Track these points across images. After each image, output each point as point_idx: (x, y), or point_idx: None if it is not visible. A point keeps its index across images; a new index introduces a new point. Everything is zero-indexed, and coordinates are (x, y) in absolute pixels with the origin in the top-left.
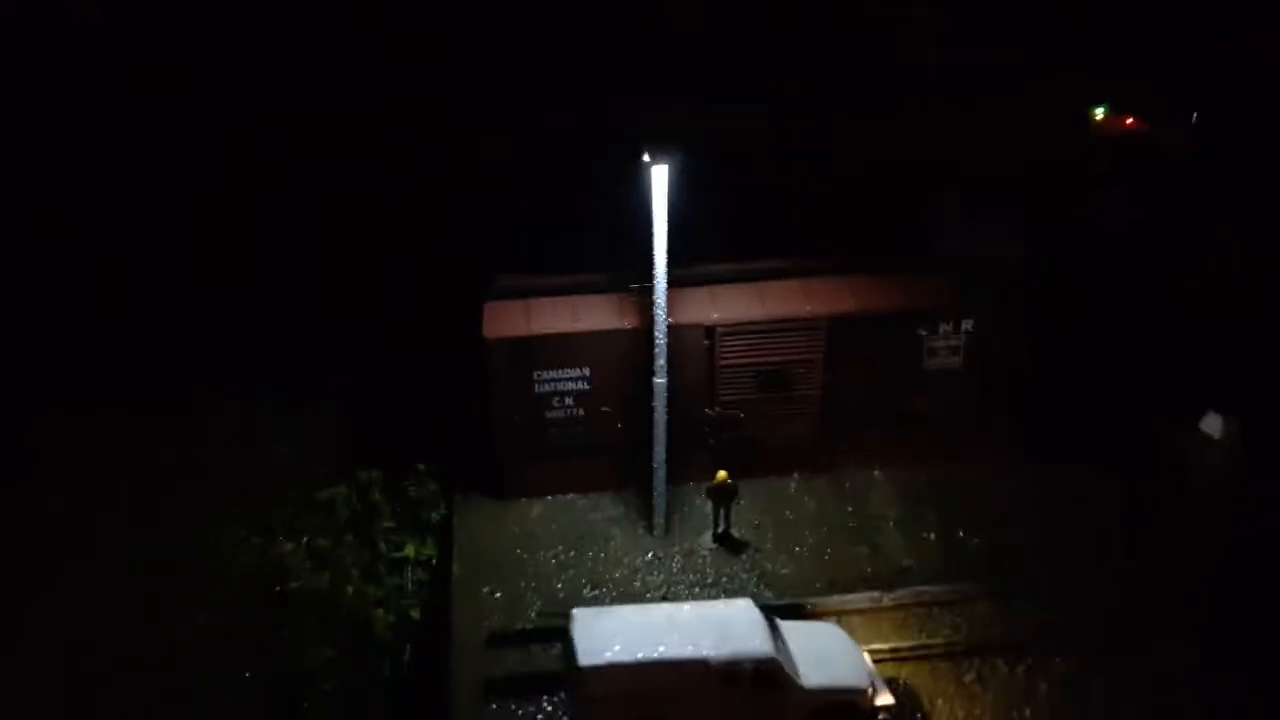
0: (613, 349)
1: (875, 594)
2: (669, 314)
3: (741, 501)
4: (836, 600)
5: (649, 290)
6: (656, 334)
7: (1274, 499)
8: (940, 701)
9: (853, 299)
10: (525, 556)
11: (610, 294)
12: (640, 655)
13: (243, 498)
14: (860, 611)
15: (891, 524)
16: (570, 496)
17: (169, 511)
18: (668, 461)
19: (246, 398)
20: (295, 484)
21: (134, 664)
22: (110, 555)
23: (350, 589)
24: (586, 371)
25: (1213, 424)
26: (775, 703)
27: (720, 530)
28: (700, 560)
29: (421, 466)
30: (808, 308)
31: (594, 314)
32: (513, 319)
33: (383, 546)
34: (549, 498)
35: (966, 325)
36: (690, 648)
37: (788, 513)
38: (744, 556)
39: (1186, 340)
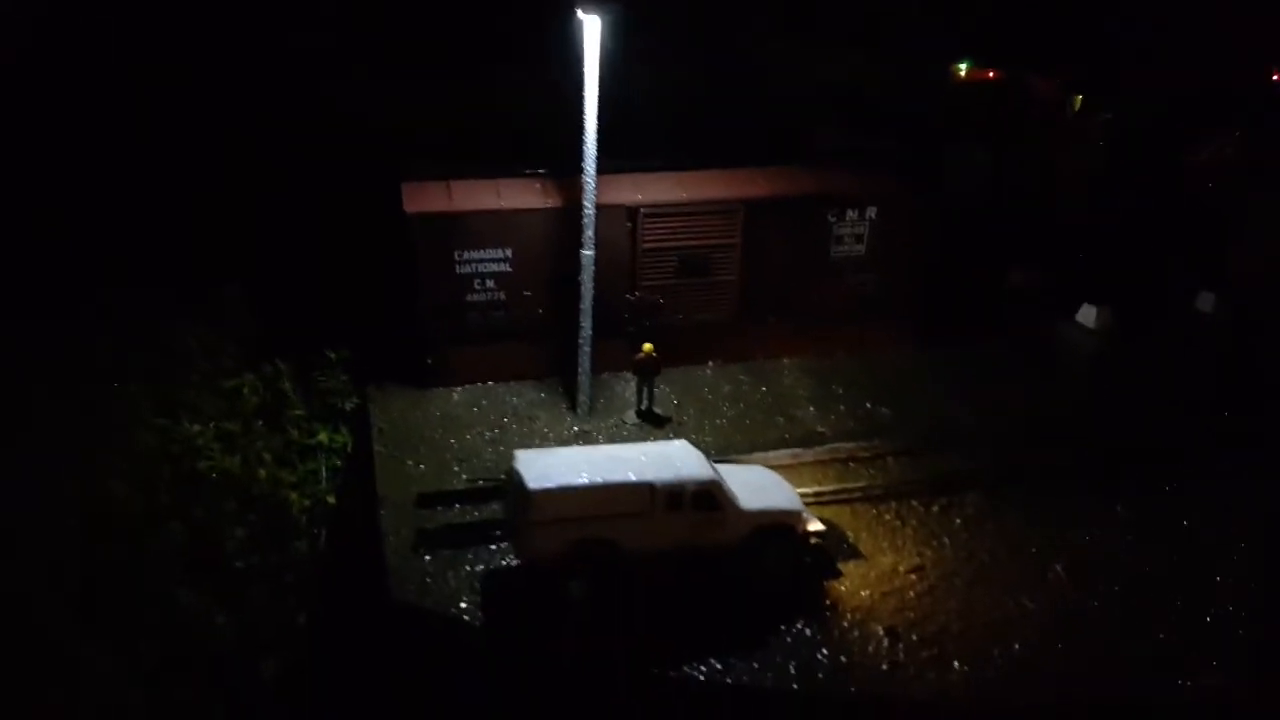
0: (535, 229)
1: (796, 450)
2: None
3: (660, 386)
4: (759, 457)
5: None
6: (585, 204)
7: (1137, 367)
8: (865, 535)
9: (767, 184)
10: (448, 437)
11: (532, 177)
12: (588, 480)
13: (146, 383)
14: (783, 466)
15: (804, 400)
16: (490, 384)
17: (74, 392)
18: (569, 349)
19: (150, 299)
20: (200, 373)
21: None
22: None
23: (263, 472)
24: (509, 252)
25: (1087, 315)
26: (716, 523)
27: (644, 407)
28: (625, 434)
29: (331, 355)
30: (726, 191)
31: (516, 193)
32: (434, 196)
33: (294, 433)
34: (468, 386)
35: (870, 213)
36: (633, 474)
37: (706, 392)
38: (667, 429)
39: (1055, 247)
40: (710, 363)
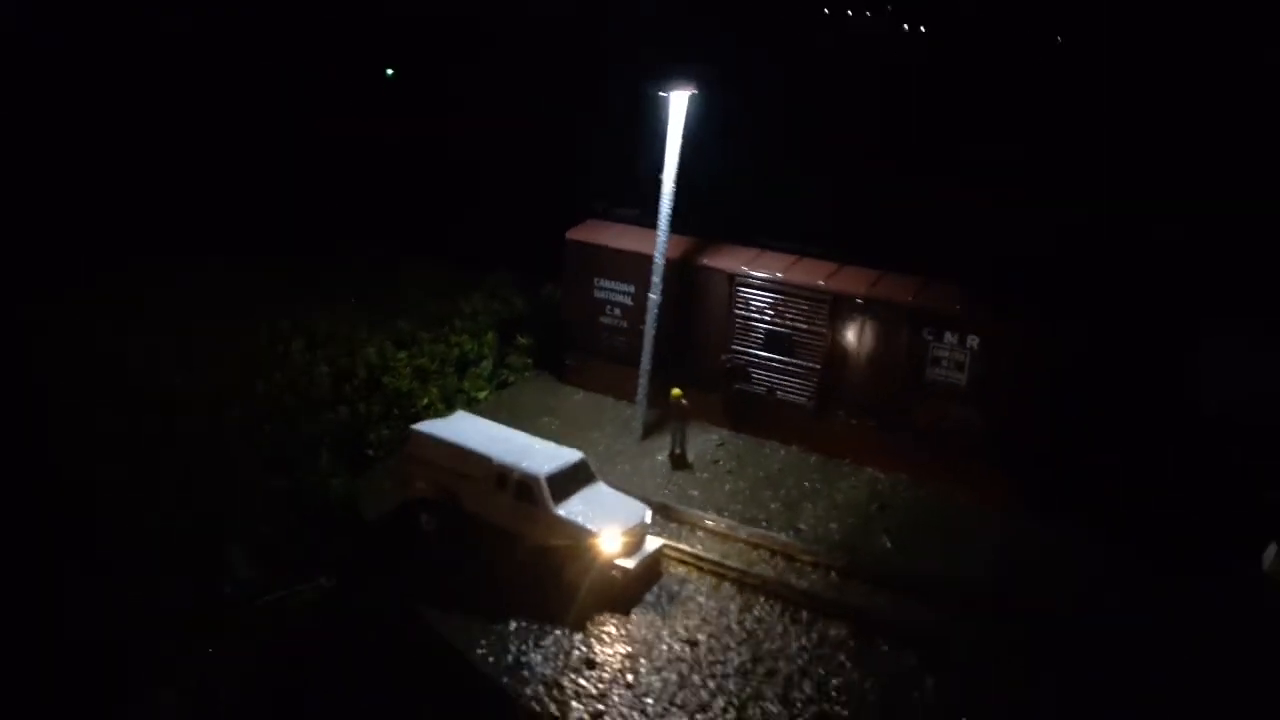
0: (647, 274)
1: (733, 524)
2: (706, 258)
3: (725, 444)
4: (696, 514)
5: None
6: (656, 256)
7: None
8: (692, 605)
9: (866, 284)
10: (540, 416)
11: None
12: (449, 438)
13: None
14: (712, 531)
15: (828, 504)
16: (605, 397)
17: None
18: (684, 392)
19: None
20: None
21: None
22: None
23: (425, 400)
24: (632, 289)
25: (1269, 554)
26: (529, 514)
27: (676, 451)
28: (644, 464)
29: (520, 340)
30: (819, 281)
31: (645, 240)
32: (589, 230)
33: (466, 385)
34: (589, 392)
35: (972, 341)
36: (486, 449)
37: (755, 463)
38: (678, 474)
39: None
40: (793, 445)
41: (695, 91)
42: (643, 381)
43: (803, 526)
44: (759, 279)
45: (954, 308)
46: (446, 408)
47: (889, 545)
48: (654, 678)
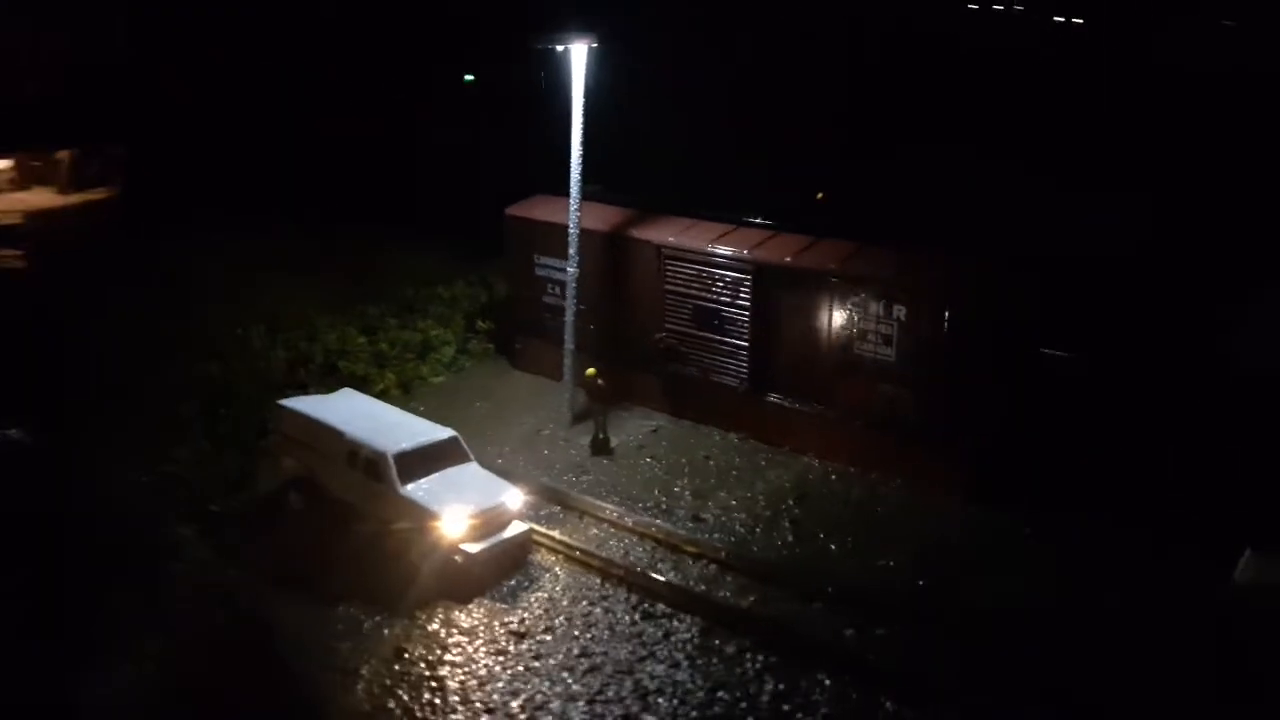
0: (587, 249)
1: (623, 510)
2: (636, 230)
3: (657, 428)
4: (589, 500)
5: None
6: (570, 226)
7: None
8: (545, 590)
9: (789, 252)
10: (474, 400)
11: (611, 204)
12: (310, 413)
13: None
14: (601, 518)
15: (744, 493)
16: (552, 380)
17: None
18: (618, 372)
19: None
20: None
21: None
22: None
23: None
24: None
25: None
26: (377, 492)
27: (600, 435)
28: (567, 449)
29: (480, 324)
30: (741, 250)
31: (587, 214)
32: (529, 206)
33: (424, 369)
34: (535, 375)
35: (898, 311)
36: (346, 426)
37: (679, 449)
38: (595, 460)
39: None
40: (731, 432)
41: (594, 44)
42: (567, 362)
43: (706, 517)
44: (684, 250)
45: (873, 272)
46: (403, 393)
47: (790, 539)
48: (458, 671)
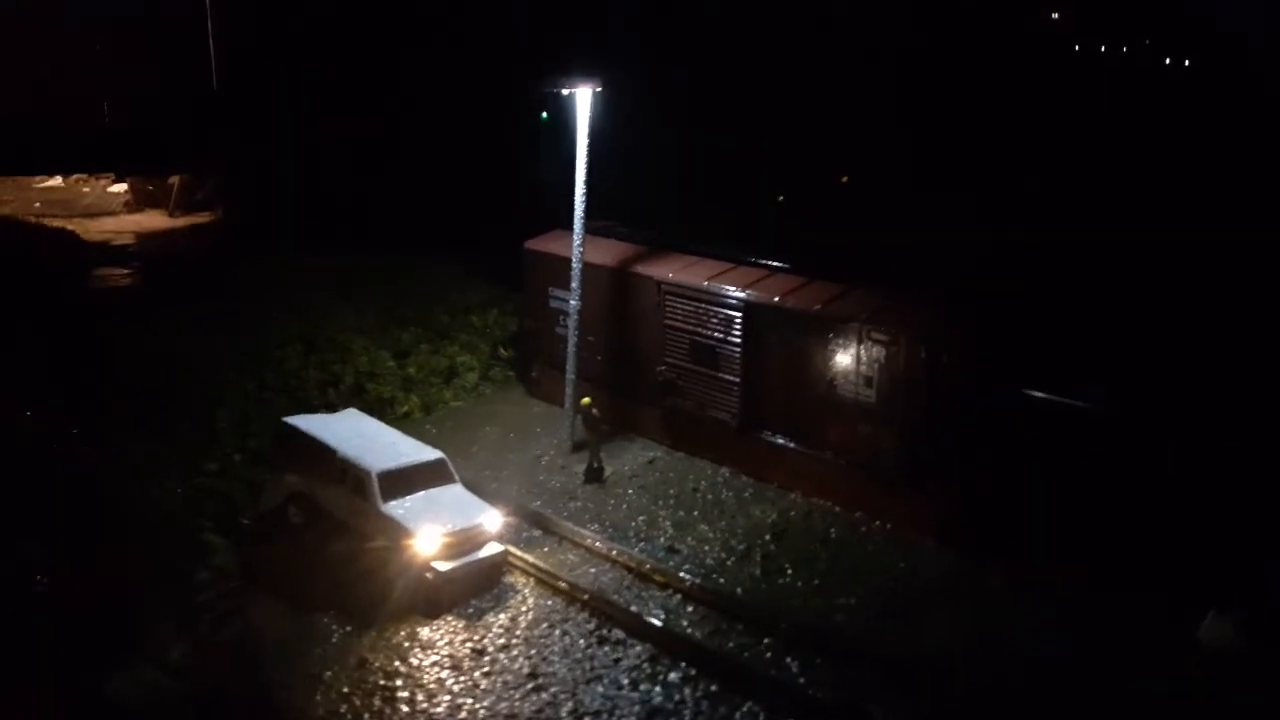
0: (595, 283)
1: (603, 541)
2: (639, 266)
3: (654, 459)
4: (569, 526)
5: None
6: (574, 262)
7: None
8: (515, 611)
9: (780, 292)
10: (484, 424)
11: (621, 239)
12: (309, 430)
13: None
14: (580, 545)
15: (728, 526)
16: (560, 409)
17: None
18: (623, 404)
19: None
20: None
21: None
22: None
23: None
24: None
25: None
26: (361, 509)
27: (595, 464)
28: (560, 476)
29: (502, 350)
30: (734, 289)
31: (599, 249)
32: (546, 240)
33: (447, 395)
34: (551, 405)
35: (878, 355)
36: (340, 444)
37: (671, 481)
38: (587, 487)
39: None
40: (724, 466)
41: (599, 88)
42: (568, 390)
43: (681, 548)
44: (682, 286)
45: (853, 313)
46: (426, 415)
47: (757, 573)
48: (410, 683)
